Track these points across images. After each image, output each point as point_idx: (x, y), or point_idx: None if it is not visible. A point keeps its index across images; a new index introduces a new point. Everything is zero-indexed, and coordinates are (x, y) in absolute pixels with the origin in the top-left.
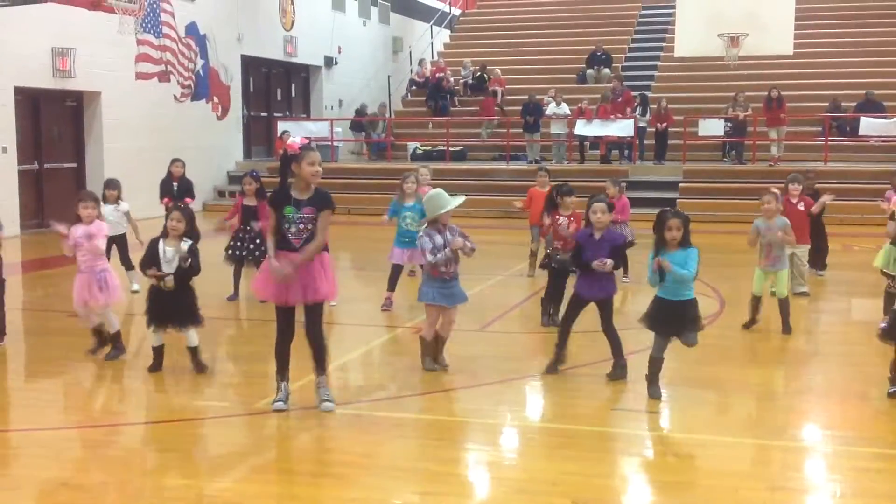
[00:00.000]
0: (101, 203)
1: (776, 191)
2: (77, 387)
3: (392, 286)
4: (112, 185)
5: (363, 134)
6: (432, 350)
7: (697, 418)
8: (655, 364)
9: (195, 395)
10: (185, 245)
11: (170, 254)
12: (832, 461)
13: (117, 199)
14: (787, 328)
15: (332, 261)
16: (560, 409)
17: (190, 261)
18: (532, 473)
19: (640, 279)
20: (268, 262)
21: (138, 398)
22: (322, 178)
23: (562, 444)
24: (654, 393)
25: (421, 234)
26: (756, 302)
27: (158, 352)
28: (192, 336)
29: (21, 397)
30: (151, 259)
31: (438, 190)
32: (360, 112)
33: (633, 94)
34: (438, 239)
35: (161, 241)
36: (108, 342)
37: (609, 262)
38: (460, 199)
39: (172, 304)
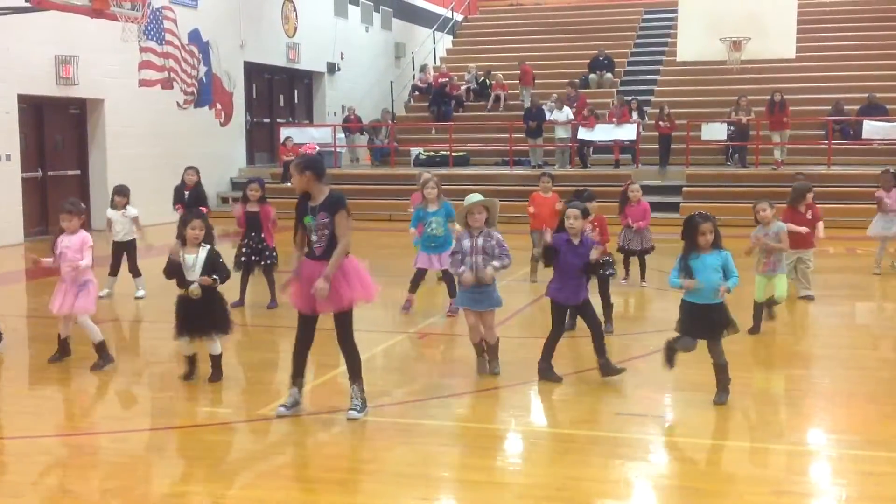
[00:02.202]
0: (110, 208)
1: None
2: (80, 393)
3: (414, 288)
4: (121, 191)
5: (363, 140)
6: (480, 352)
7: (702, 422)
8: (671, 351)
9: (199, 402)
10: (204, 252)
11: (190, 261)
12: (837, 465)
13: (125, 206)
14: (770, 315)
15: (357, 261)
16: (564, 414)
17: (216, 278)
18: (536, 479)
19: (657, 283)
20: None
21: (142, 405)
22: (326, 183)
23: (566, 449)
24: (671, 356)
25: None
26: (759, 308)
27: (191, 361)
28: (216, 344)
29: (23, 404)
30: (173, 268)
31: (473, 193)
32: (347, 119)
33: (627, 98)
34: (466, 244)
35: (181, 250)
36: (69, 353)
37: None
38: (475, 197)
39: (202, 313)
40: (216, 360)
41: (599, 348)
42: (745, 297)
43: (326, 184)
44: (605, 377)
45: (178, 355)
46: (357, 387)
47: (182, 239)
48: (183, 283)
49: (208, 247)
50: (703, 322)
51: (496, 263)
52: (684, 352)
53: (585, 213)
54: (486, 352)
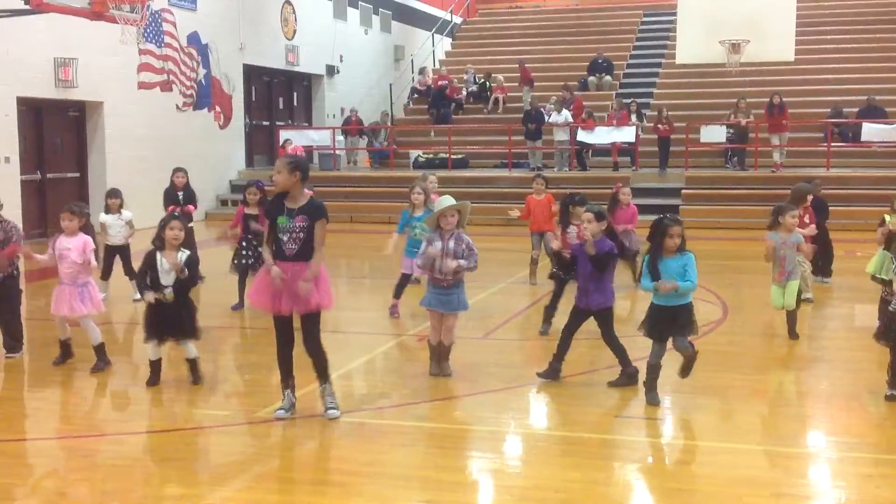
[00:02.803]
0: (104, 213)
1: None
2: (78, 396)
3: (398, 294)
4: (114, 194)
5: (362, 142)
6: (437, 354)
7: (701, 425)
8: (654, 371)
9: (197, 405)
10: (183, 256)
11: (167, 265)
12: (836, 467)
13: (120, 208)
14: (793, 335)
15: (326, 269)
16: (563, 417)
17: (187, 272)
18: (535, 481)
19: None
20: (267, 270)
21: (140, 408)
22: (324, 186)
23: (565, 451)
24: (652, 399)
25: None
26: (792, 314)
27: (156, 366)
28: (191, 348)
29: (22, 407)
30: (149, 271)
31: (445, 196)
32: (347, 120)
33: (626, 100)
34: (437, 245)
35: (158, 253)
36: (71, 355)
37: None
38: (447, 200)
39: (171, 317)
40: (193, 364)
41: (622, 360)
42: (745, 300)
43: (309, 188)
44: (546, 377)
45: (174, 358)
46: (328, 386)
47: (160, 241)
48: (157, 286)
49: (188, 252)
50: (669, 323)
51: (462, 262)
52: (658, 361)
53: (600, 217)
54: (440, 353)
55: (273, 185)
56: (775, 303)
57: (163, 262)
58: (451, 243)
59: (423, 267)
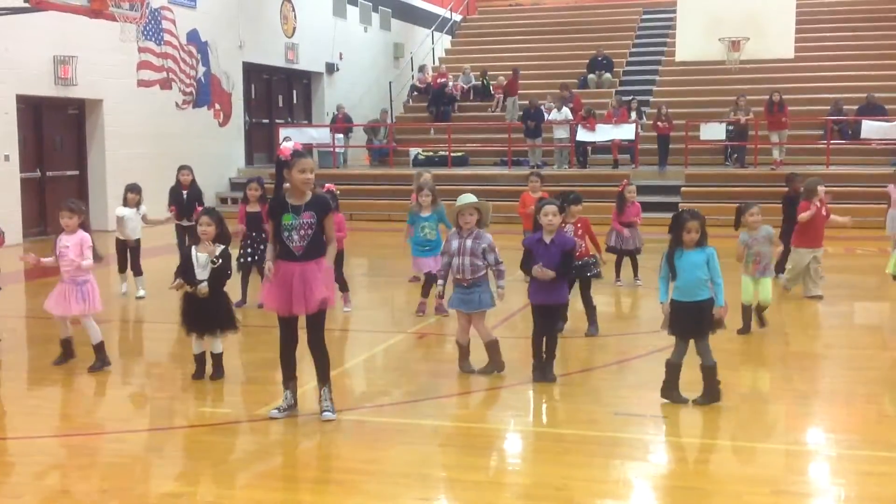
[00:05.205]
0: (121, 206)
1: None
2: (79, 394)
3: (426, 293)
4: (134, 189)
5: (351, 139)
6: (465, 353)
7: (700, 422)
8: (674, 370)
9: (198, 402)
10: (218, 249)
11: (203, 260)
12: (837, 465)
13: (138, 203)
14: (762, 323)
15: (328, 266)
16: (563, 414)
17: (221, 261)
18: (536, 479)
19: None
20: (266, 267)
21: (141, 405)
22: (323, 183)
23: (565, 449)
24: (676, 398)
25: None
26: (747, 309)
27: (200, 359)
28: (217, 343)
29: (23, 405)
30: (185, 267)
31: (466, 194)
32: (334, 119)
33: (626, 98)
34: (454, 244)
35: (193, 248)
36: (73, 355)
37: (549, 272)
38: (467, 198)
39: (207, 311)
40: (217, 359)
41: (549, 350)
42: (733, 297)
43: (319, 184)
44: (534, 380)
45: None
46: (327, 388)
47: (195, 238)
48: (192, 280)
49: (222, 247)
50: (690, 320)
51: (501, 283)
52: (679, 360)
53: (561, 210)
54: (486, 352)
55: (293, 185)
56: (744, 297)
57: (198, 257)
58: (469, 242)
59: (443, 271)
